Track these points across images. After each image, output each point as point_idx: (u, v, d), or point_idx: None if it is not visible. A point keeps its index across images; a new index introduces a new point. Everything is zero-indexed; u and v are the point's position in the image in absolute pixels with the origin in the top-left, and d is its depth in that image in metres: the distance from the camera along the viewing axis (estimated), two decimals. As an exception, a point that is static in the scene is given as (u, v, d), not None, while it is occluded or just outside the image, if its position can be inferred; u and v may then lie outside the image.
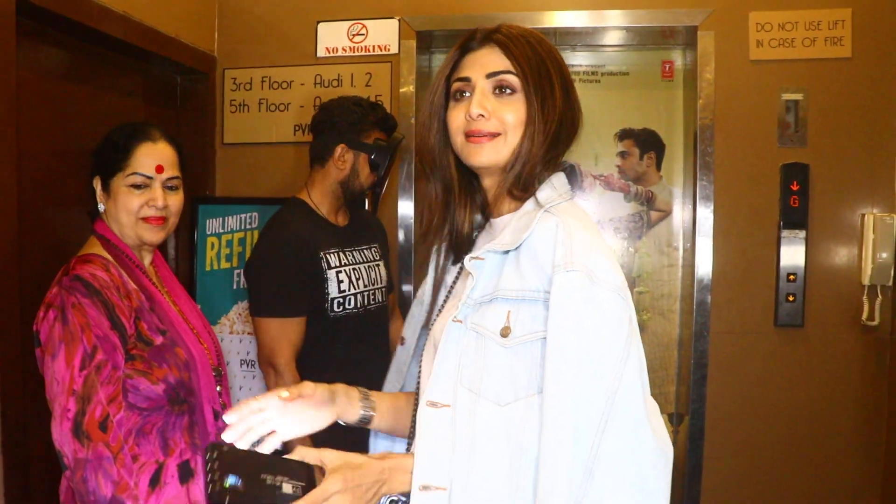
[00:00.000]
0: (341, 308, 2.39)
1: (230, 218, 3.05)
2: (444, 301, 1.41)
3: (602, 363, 1.11)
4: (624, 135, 3.29)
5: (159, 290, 1.85)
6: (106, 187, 1.81)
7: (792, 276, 2.88)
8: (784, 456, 2.92)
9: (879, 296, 2.83)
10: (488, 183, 1.34)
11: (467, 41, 1.34)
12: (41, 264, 2.22)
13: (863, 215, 2.86)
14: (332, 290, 2.36)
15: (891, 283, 2.80)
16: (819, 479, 2.90)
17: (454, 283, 1.41)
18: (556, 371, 1.11)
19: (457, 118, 1.30)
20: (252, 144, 3.19)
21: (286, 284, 2.29)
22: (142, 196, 1.80)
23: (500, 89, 1.28)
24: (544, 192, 1.28)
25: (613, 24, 3.00)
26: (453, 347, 1.24)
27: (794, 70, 2.91)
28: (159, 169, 1.81)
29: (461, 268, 1.37)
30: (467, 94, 1.30)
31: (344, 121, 2.38)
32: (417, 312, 1.51)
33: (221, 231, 3.06)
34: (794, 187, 2.87)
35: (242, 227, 3.04)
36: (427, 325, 1.45)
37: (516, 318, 1.19)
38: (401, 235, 3.14)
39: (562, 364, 1.11)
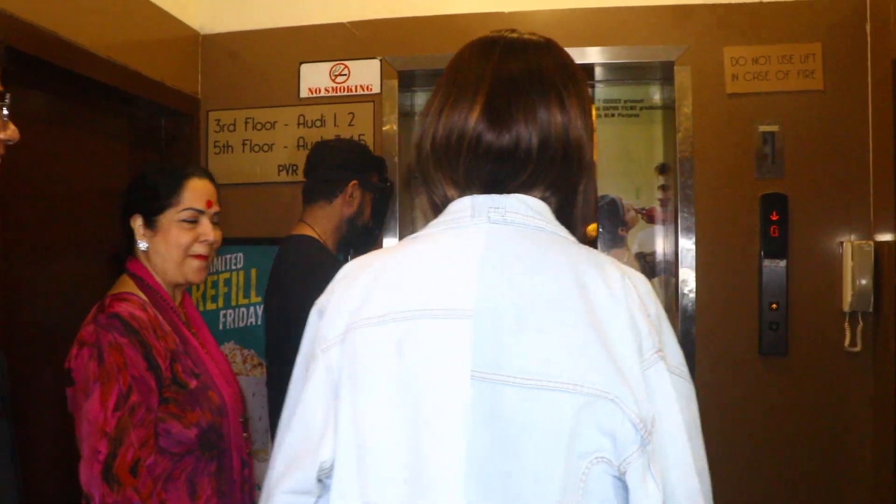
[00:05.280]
0: None
1: (215, 259, 3.05)
2: None
3: None
4: (664, 168, 3.35)
5: (190, 332, 1.84)
6: (151, 224, 1.80)
7: (774, 305, 2.91)
8: (771, 483, 2.93)
9: (861, 322, 2.86)
10: None
11: None
12: (28, 306, 2.21)
13: (841, 243, 2.91)
14: None
15: (871, 310, 2.83)
16: (808, 507, 2.91)
17: None
18: None
19: None
20: (236, 185, 3.20)
21: None
22: (193, 231, 1.81)
23: None
24: None
25: (592, 60, 3.06)
26: None
27: (769, 103, 2.96)
28: (209, 204, 1.85)
29: None
30: None
31: (357, 159, 2.44)
32: None
33: (207, 272, 3.06)
34: (774, 217, 2.91)
35: (227, 267, 3.04)
36: None
37: None
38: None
39: None
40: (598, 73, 3.24)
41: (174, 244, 1.79)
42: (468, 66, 1.09)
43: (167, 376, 1.65)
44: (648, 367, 0.93)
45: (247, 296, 3.04)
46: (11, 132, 1.33)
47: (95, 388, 1.56)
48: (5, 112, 1.32)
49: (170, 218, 1.80)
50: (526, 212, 1.03)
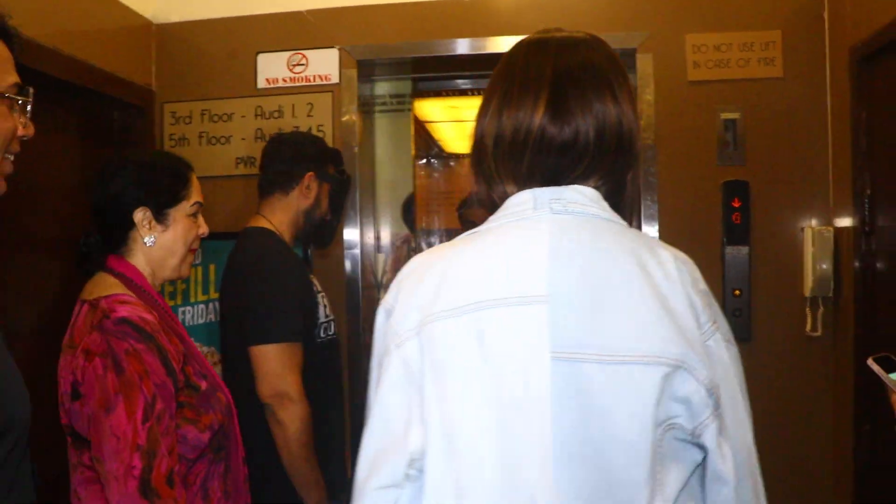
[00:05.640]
0: (325, 334, 2.36)
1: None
2: None
3: None
4: None
5: None
6: (162, 218, 1.70)
7: (737, 292, 2.92)
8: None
9: (821, 307, 2.89)
10: None
11: None
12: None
13: (802, 229, 2.93)
14: (321, 315, 2.33)
15: (831, 295, 2.86)
16: (772, 489, 2.92)
17: None
18: None
19: None
20: (193, 178, 3.14)
21: (294, 308, 2.21)
22: (196, 225, 1.75)
23: None
24: None
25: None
26: None
27: (730, 90, 2.97)
28: (204, 198, 1.79)
29: None
30: None
31: (312, 151, 2.40)
32: None
33: (164, 268, 2.99)
34: (736, 204, 2.92)
35: (186, 263, 2.97)
36: None
37: None
38: (347, 265, 3.11)
39: None
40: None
41: (182, 239, 1.72)
42: (526, 66, 1.14)
43: (180, 379, 1.57)
44: (708, 339, 1.02)
45: (206, 292, 2.97)
46: (30, 128, 1.25)
47: (118, 401, 1.45)
48: (29, 108, 1.24)
49: (182, 211, 1.72)
50: (584, 201, 1.08)
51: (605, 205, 1.10)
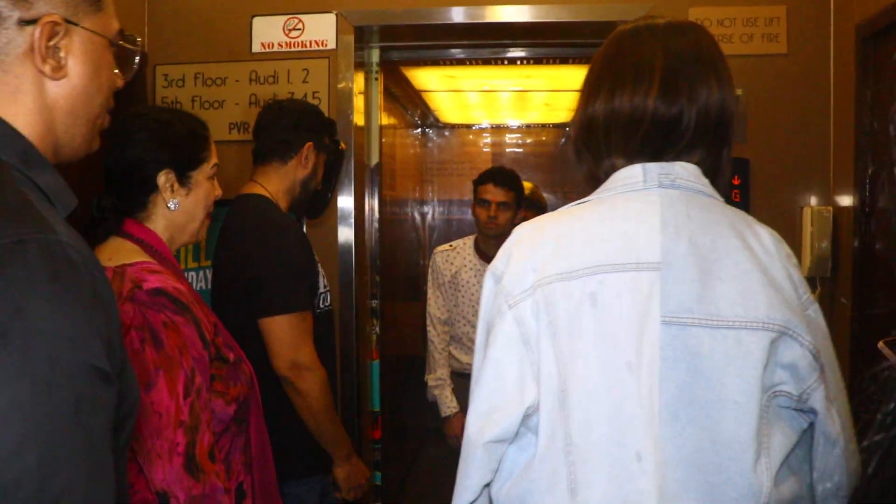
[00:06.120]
0: (324, 304, 2.32)
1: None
2: None
3: None
4: None
5: None
6: (185, 181, 1.61)
7: (734, 271, 2.90)
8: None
9: (819, 287, 2.87)
10: None
11: None
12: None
13: (801, 208, 2.90)
14: (321, 285, 2.29)
15: (828, 275, 2.85)
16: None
17: None
18: None
19: None
20: (185, 143, 3.08)
21: (301, 276, 2.17)
22: (214, 188, 1.68)
23: None
24: None
25: (554, 18, 2.98)
26: None
27: (732, 66, 2.84)
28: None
29: None
30: None
31: (312, 120, 2.34)
32: None
33: (154, 234, 2.94)
34: (736, 182, 2.89)
35: (177, 229, 2.93)
36: None
37: None
38: (341, 235, 3.07)
39: None
40: (559, 31, 3.17)
41: (203, 202, 1.64)
42: (637, 51, 1.20)
43: (212, 351, 1.51)
44: (807, 308, 1.10)
45: (196, 259, 2.93)
46: (122, 80, 1.13)
47: (158, 376, 1.39)
48: (137, 59, 1.14)
49: (203, 174, 1.64)
50: (689, 176, 1.15)
51: (706, 181, 1.16)
